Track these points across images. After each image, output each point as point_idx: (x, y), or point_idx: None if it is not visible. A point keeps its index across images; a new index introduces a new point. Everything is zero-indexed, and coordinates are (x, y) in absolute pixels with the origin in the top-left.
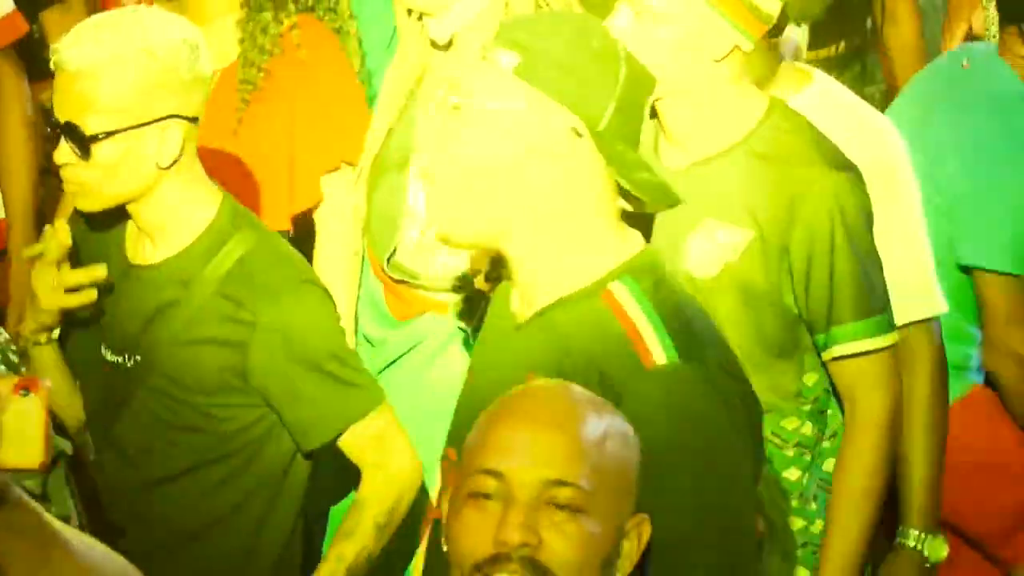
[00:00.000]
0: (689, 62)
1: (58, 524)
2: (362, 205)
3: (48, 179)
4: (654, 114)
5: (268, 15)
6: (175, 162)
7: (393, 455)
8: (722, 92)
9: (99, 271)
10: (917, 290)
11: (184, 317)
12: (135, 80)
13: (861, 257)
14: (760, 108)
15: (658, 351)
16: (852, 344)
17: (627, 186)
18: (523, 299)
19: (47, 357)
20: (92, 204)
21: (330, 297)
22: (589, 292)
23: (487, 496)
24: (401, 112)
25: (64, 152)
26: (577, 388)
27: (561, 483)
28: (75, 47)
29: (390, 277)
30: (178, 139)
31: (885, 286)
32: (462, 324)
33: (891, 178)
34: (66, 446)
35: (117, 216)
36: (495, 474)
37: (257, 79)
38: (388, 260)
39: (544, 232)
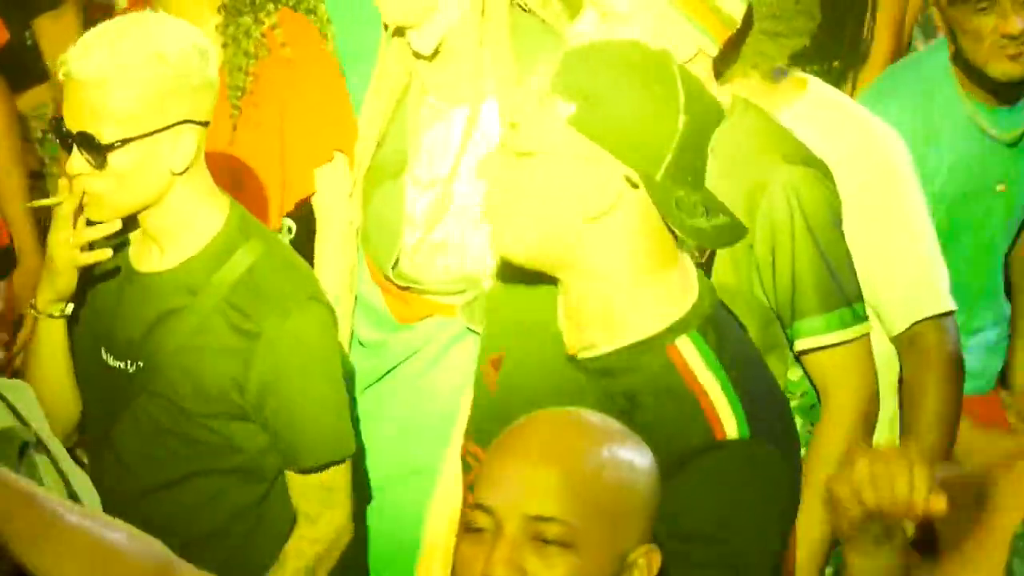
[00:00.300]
0: None
1: (58, 500)
2: (358, 215)
3: (39, 182)
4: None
5: (248, 19)
6: (188, 167)
7: (330, 509)
8: None
9: (114, 225)
10: (922, 288)
11: (190, 324)
12: (147, 87)
13: (823, 250)
14: (724, 103)
15: (730, 423)
16: (817, 338)
17: (683, 235)
18: (574, 326)
19: (56, 334)
20: (107, 213)
21: (333, 315)
22: (654, 346)
23: (480, 531)
24: (389, 122)
25: (78, 162)
26: (586, 416)
27: (547, 519)
28: (85, 57)
29: (395, 284)
30: (191, 144)
31: (854, 279)
32: (472, 326)
33: (892, 180)
34: (29, 435)
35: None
36: (486, 509)
37: (246, 83)
38: (393, 268)
39: (602, 271)
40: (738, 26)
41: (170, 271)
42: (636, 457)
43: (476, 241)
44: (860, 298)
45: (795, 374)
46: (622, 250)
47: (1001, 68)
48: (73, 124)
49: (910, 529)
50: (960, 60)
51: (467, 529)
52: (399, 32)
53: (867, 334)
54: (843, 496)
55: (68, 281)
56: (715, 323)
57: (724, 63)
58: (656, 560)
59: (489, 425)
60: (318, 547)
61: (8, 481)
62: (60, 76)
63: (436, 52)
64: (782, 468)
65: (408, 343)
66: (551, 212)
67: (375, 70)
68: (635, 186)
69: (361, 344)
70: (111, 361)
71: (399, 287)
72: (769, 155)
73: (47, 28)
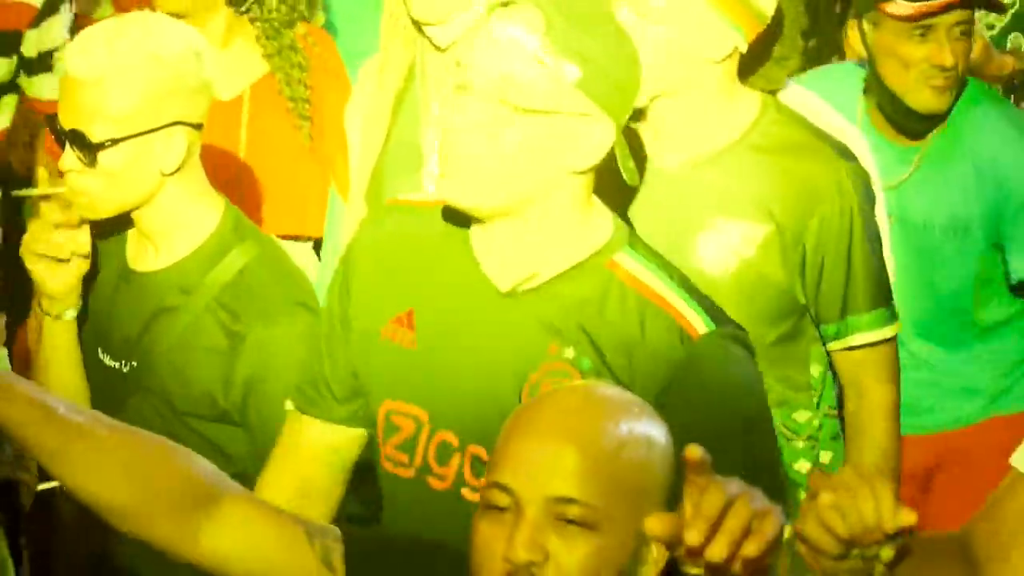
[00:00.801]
0: (689, 62)
1: (89, 412)
2: (363, 210)
3: None
4: (639, 117)
5: (289, 31)
6: (179, 168)
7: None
8: (718, 92)
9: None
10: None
11: (182, 324)
12: (142, 88)
13: (874, 246)
14: (754, 105)
15: (697, 321)
16: (868, 334)
17: (624, 172)
18: (504, 269)
19: (60, 336)
20: (98, 212)
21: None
22: (594, 264)
23: (500, 509)
24: (394, 117)
25: (70, 159)
26: (600, 391)
27: (569, 500)
28: (82, 55)
29: None
30: (182, 145)
31: (888, 275)
32: None
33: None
34: None
35: (117, 221)
36: (506, 489)
37: (307, 95)
38: None
39: (551, 214)
40: (768, 22)
41: (164, 270)
42: (653, 432)
43: None
44: (892, 296)
45: (816, 370)
46: (577, 188)
47: (923, 98)
48: (67, 121)
49: (886, 553)
50: (873, 88)
51: (486, 507)
52: (419, 28)
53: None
54: (814, 535)
55: (55, 283)
56: (641, 240)
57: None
58: None
59: (415, 378)
60: None
61: (27, 394)
62: (57, 71)
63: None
64: (746, 348)
65: None
66: (540, 168)
67: (375, 64)
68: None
69: None
70: (107, 361)
71: None
72: (819, 150)
73: None
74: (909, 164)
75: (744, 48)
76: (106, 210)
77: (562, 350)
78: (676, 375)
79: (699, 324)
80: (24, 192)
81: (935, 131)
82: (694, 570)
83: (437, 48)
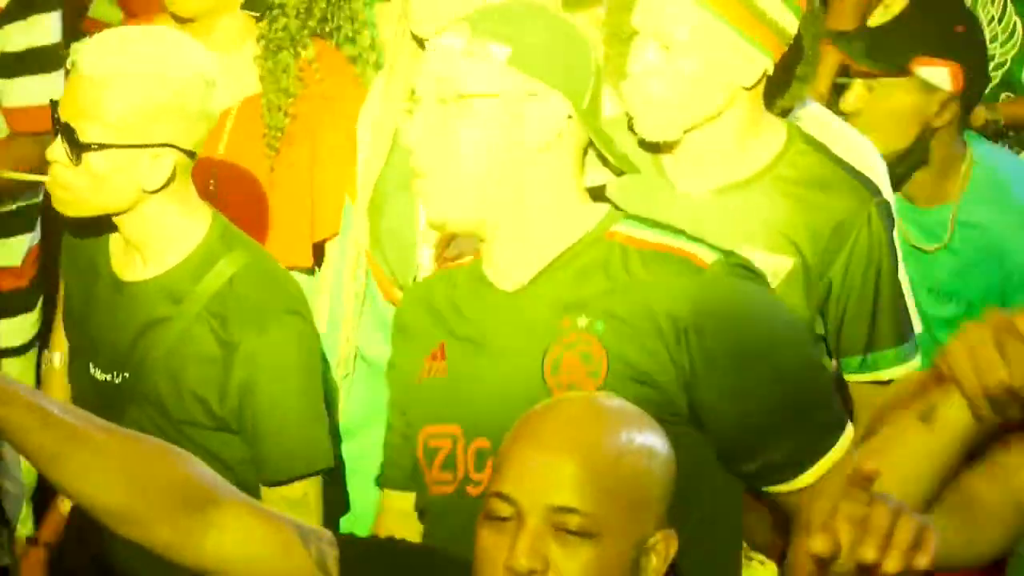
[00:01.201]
0: (721, 92)
1: (84, 414)
2: (364, 233)
3: None
4: (656, 148)
5: (287, 54)
6: (163, 187)
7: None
8: (747, 119)
9: None
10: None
11: (173, 334)
12: (141, 101)
13: (899, 284)
14: (781, 134)
15: (703, 252)
16: (892, 370)
17: (609, 157)
18: (505, 273)
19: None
20: (72, 209)
21: (313, 330)
22: (591, 239)
23: (502, 519)
24: (397, 133)
25: (57, 150)
26: (602, 401)
27: (569, 510)
28: (94, 53)
29: None
30: (168, 168)
31: (909, 309)
32: None
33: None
34: None
35: (104, 229)
36: (508, 499)
37: (284, 124)
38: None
39: (535, 208)
40: (791, 41)
41: (153, 279)
42: (654, 442)
43: None
44: (914, 329)
45: None
46: (551, 181)
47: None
48: (64, 113)
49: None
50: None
51: (488, 516)
52: (420, 44)
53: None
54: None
55: None
56: (639, 216)
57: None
58: (673, 544)
59: (449, 401)
60: None
61: (23, 397)
62: (67, 63)
63: None
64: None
65: None
66: (499, 153)
67: (379, 81)
68: (570, 117)
69: (367, 361)
70: (99, 375)
71: None
72: (847, 186)
73: None
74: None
75: (771, 70)
76: (83, 209)
77: (575, 321)
78: (696, 306)
79: (706, 255)
80: (6, 175)
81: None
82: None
83: None
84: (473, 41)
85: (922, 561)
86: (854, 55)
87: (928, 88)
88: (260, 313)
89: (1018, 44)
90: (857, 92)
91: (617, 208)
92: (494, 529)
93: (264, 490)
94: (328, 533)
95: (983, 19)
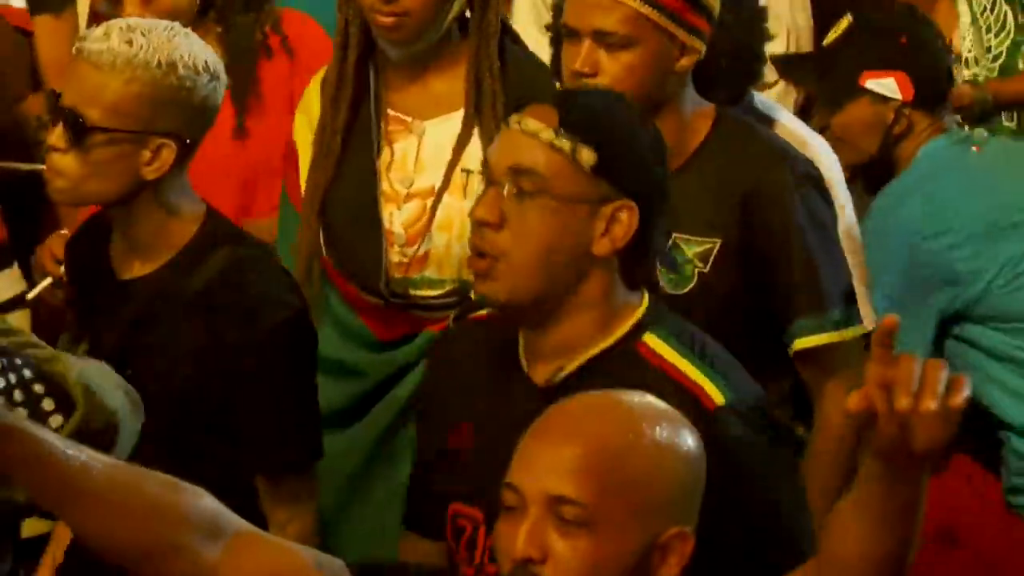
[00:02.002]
0: (657, 78)
1: (89, 453)
2: (315, 234)
3: None
4: None
5: (242, 31)
6: (160, 179)
7: (298, 516)
8: (681, 106)
9: None
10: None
11: (163, 331)
12: (148, 89)
13: (816, 251)
14: (709, 118)
15: (714, 392)
16: (810, 338)
17: (660, 262)
18: (540, 367)
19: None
20: (67, 197)
21: (308, 322)
22: (623, 350)
23: (511, 509)
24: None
25: (58, 136)
26: (627, 397)
27: (564, 499)
28: (102, 40)
29: (386, 301)
30: (170, 157)
31: (847, 280)
32: None
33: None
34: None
35: (108, 233)
36: (514, 488)
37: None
38: (386, 285)
39: (583, 307)
40: (716, 17)
41: (146, 277)
42: (673, 438)
43: (461, 252)
44: (852, 300)
45: None
46: (602, 276)
47: None
48: (68, 99)
49: None
50: None
51: (501, 507)
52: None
53: (860, 336)
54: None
55: None
56: (667, 318)
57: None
58: (689, 544)
59: (473, 480)
60: None
61: (27, 436)
62: (73, 51)
63: (411, 67)
64: (763, 416)
65: (400, 358)
66: (566, 253)
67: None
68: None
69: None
70: None
71: (387, 304)
72: (759, 159)
73: (46, 26)
74: None
75: (703, 49)
76: (79, 197)
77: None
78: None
79: (715, 395)
80: (12, 165)
81: None
82: None
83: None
84: (561, 136)
85: (957, 399)
86: (806, 82)
87: (881, 99)
88: (250, 306)
89: (1011, 33)
90: (820, 111)
91: (650, 307)
92: (506, 520)
93: (261, 482)
94: (340, 562)
95: (976, 9)
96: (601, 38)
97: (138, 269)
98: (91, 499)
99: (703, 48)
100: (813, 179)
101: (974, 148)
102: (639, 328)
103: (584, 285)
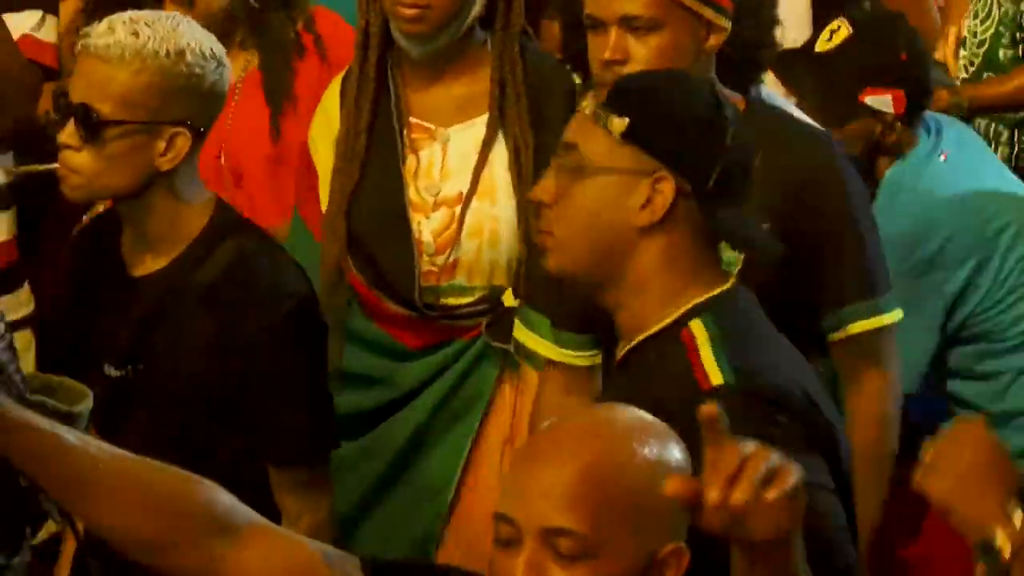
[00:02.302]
0: (687, 59)
1: (98, 445)
2: (342, 241)
3: None
4: None
5: (277, 30)
6: (173, 169)
7: (311, 509)
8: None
9: None
10: None
11: (175, 326)
12: (158, 78)
13: (867, 233)
14: (740, 103)
15: (715, 374)
16: (863, 323)
17: (731, 244)
18: (622, 339)
19: None
20: (83, 193)
21: (317, 312)
22: (671, 335)
23: (507, 542)
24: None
25: (70, 133)
26: (614, 413)
27: (561, 532)
28: (108, 34)
29: (420, 312)
30: (184, 146)
31: (886, 263)
32: (496, 343)
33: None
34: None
35: (118, 230)
36: (508, 520)
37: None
38: (419, 295)
39: (646, 281)
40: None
41: (156, 273)
42: (663, 454)
43: (491, 258)
44: (891, 287)
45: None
46: (662, 255)
47: None
48: (77, 95)
49: None
50: None
51: (496, 540)
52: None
53: (896, 322)
54: None
55: None
56: (727, 306)
57: None
58: (685, 558)
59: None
60: None
61: (36, 427)
62: (78, 47)
63: (432, 68)
64: (760, 410)
65: (427, 367)
66: (607, 226)
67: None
68: (685, 197)
69: (354, 377)
70: (113, 372)
71: (421, 315)
72: (805, 143)
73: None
74: None
75: (728, 26)
76: (91, 192)
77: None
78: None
79: (715, 377)
80: (14, 169)
81: None
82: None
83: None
84: (601, 109)
85: (770, 494)
86: (803, 92)
87: (874, 113)
88: (262, 298)
89: (995, 22)
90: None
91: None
92: (503, 554)
93: (274, 473)
94: (354, 557)
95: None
96: (627, 23)
97: (150, 264)
98: (105, 492)
99: (729, 25)
100: (851, 160)
101: (941, 157)
102: (692, 312)
103: (634, 261)
